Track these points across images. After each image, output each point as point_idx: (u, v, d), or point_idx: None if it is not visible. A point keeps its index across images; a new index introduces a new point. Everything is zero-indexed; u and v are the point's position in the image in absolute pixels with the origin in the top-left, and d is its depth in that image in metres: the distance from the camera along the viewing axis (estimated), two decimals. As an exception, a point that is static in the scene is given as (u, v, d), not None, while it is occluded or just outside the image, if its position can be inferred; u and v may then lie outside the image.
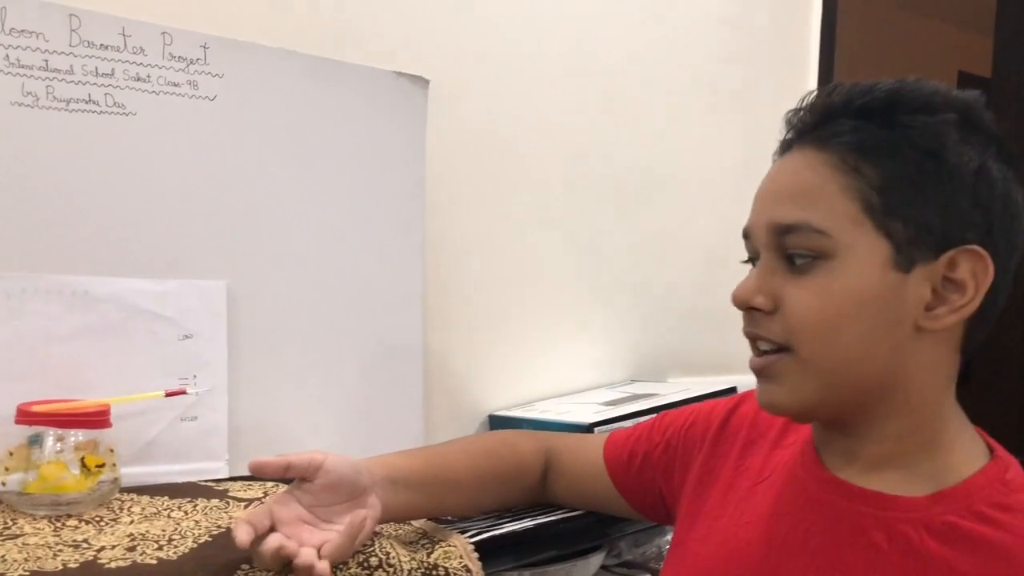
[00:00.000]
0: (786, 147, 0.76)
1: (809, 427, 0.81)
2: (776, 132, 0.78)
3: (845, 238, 0.68)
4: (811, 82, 1.89)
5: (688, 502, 0.89)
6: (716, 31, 1.66)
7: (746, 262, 0.78)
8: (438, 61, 1.29)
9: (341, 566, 0.83)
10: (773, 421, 0.87)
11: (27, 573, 0.75)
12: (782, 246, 0.71)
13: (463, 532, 0.97)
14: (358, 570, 0.85)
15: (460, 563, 0.91)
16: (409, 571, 0.88)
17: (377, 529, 0.91)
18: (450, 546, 0.93)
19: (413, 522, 0.99)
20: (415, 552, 0.90)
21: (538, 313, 1.42)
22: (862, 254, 0.68)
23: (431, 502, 0.95)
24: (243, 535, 0.76)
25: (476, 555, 0.93)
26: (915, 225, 0.68)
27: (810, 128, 0.73)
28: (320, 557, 0.77)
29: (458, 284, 1.34)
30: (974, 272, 0.68)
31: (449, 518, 1.02)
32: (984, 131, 0.70)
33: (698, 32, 1.63)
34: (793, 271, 0.71)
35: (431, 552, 0.91)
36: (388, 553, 0.88)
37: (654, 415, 1.02)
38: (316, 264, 1.18)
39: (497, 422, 1.34)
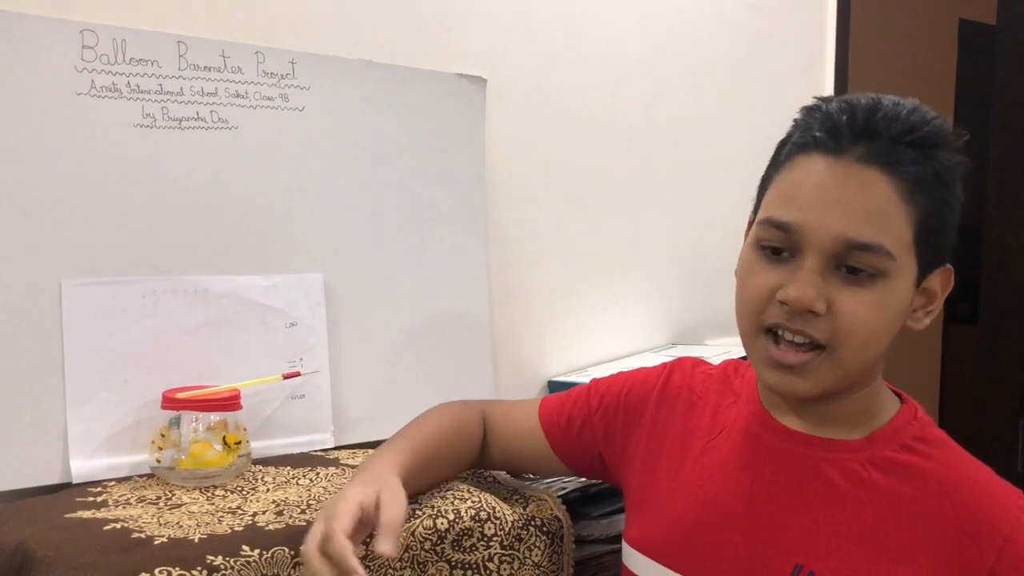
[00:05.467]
0: (835, 150, 0.78)
1: (747, 385, 0.94)
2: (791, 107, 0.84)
3: (902, 262, 0.78)
4: (829, 37, 1.98)
5: (640, 462, 1.00)
6: (738, 15, 1.77)
7: (765, 248, 0.81)
8: (493, 62, 1.41)
9: (459, 516, 0.98)
10: (709, 386, 0.99)
11: (205, 536, 0.89)
12: (845, 258, 0.77)
13: (548, 487, 1.12)
14: (471, 523, 0.99)
15: (551, 514, 1.06)
16: (512, 522, 1.02)
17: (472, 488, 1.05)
18: (541, 500, 1.08)
19: (501, 480, 1.14)
20: (512, 506, 1.05)
21: (587, 287, 1.56)
22: (907, 275, 0.79)
23: (418, 487, 0.99)
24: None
25: (564, 507, 1.08)
26: (936, 250, 0.80)
27: (867, 143, 0.77)
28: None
29: (517, 265, 1.47)
30: (943, 284, 0.83)
31: (530, 476, 1.17)
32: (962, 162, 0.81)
33: (722, 19, 1.74)
34: (847, 280, 0.78)
35: (526, 506, 1.06)
36: (493, 508, 1.02)
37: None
38: (395, 252, 1.31)
39: (556, 386, 1.48)
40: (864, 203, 0.77)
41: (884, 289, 0.78)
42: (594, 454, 1.05)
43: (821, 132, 0.79)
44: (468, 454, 1.07)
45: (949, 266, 0.83)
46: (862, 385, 0.85)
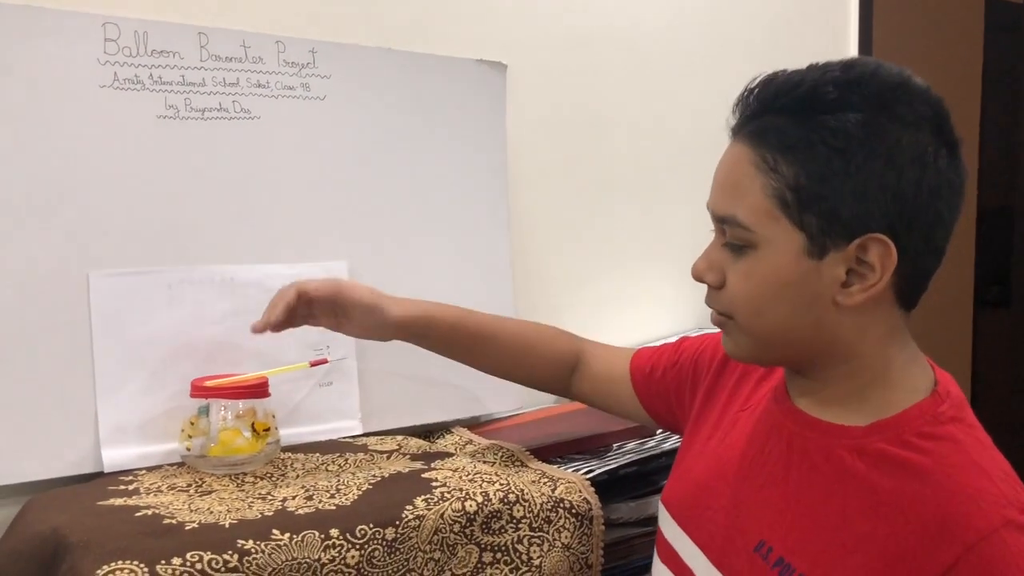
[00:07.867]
0: (733, 132, 0.83)
1: None
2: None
3: (764, 232, 0.77)
4: (852, 18, 1.96)
5: (692, 421, 1.01)
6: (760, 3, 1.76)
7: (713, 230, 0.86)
8: (513, 48, 1.41)
9: (488, 499, 0.98)
10: None
11: (236, 521, 0.90)
12: (725, 232, 0.81)
13: (576, 471, 1.12)
14: (500, 505, 0.99)
15: (580, 496, 1.06)
16: (541, 504, 1.02)
17: (499, 471, 1.05)
18: (570, 483, 1.07)
19: (530, 464, 1.14)
20: (541, 489, 1.05)
21: (612, 271, 1.55)
22: (779, 245, 0.77)
23: (445, 336, 1.12)
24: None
25: (592, 489, 1.08)
26: (826, 218, 0.75)
27: (747, 119, 0.80)
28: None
29: (539, 250, 1.47)
30: (881, 257, 0.75)
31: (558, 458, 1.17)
32: (902, 118, 0.74)
33: (742, 1, 1.73)
34: (733, 253, 0.80)
35: (554, 488, 1.05)
36: (522, 490, 1.02)
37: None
38: (418, 239, 1.31)
39: (582, 372, 1.47)
40: (727, 177, 0.81)
41: (755, 259, 0.79)
42: (667, 406, 1.09)
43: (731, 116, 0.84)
44: (547, 363, 1.15)
45: (882, 237, 0.74)
46: (825, 360, 0.81)
